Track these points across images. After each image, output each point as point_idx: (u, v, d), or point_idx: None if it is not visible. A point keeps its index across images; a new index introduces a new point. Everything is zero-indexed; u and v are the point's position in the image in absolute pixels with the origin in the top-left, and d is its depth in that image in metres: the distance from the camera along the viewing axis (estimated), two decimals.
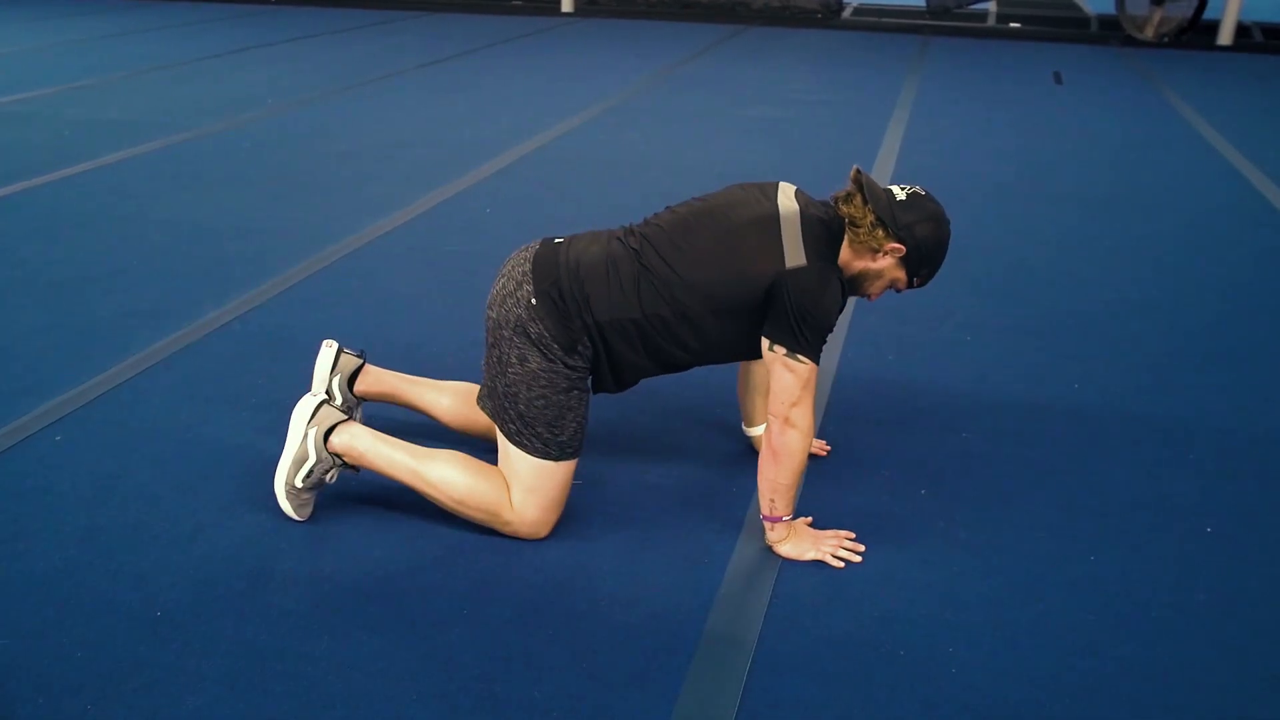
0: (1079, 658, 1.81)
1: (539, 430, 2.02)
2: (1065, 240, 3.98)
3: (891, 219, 1.98)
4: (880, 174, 4.75)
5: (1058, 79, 7.46)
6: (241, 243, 3.75)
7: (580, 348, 2.03)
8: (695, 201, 2.12)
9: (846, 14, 10.94)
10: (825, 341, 2.02)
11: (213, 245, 3.72)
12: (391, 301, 3.28)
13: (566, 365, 2.02)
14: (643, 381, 2.20)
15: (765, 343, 2.00)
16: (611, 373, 2.10)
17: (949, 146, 5.41)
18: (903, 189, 2.04)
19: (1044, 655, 1.82)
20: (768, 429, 2.03)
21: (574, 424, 2.05)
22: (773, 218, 2.01)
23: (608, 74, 7.29)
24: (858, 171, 2.02)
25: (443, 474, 2.07)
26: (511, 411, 2.03)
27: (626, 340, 2.04)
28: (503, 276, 2.09)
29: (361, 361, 2.40)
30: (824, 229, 2.02)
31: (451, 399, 2.38)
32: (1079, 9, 11.50)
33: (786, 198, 2.07)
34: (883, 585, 1.99)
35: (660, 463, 2.41)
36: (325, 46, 8.22)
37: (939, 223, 2.03)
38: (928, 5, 10.55)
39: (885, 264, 2.03)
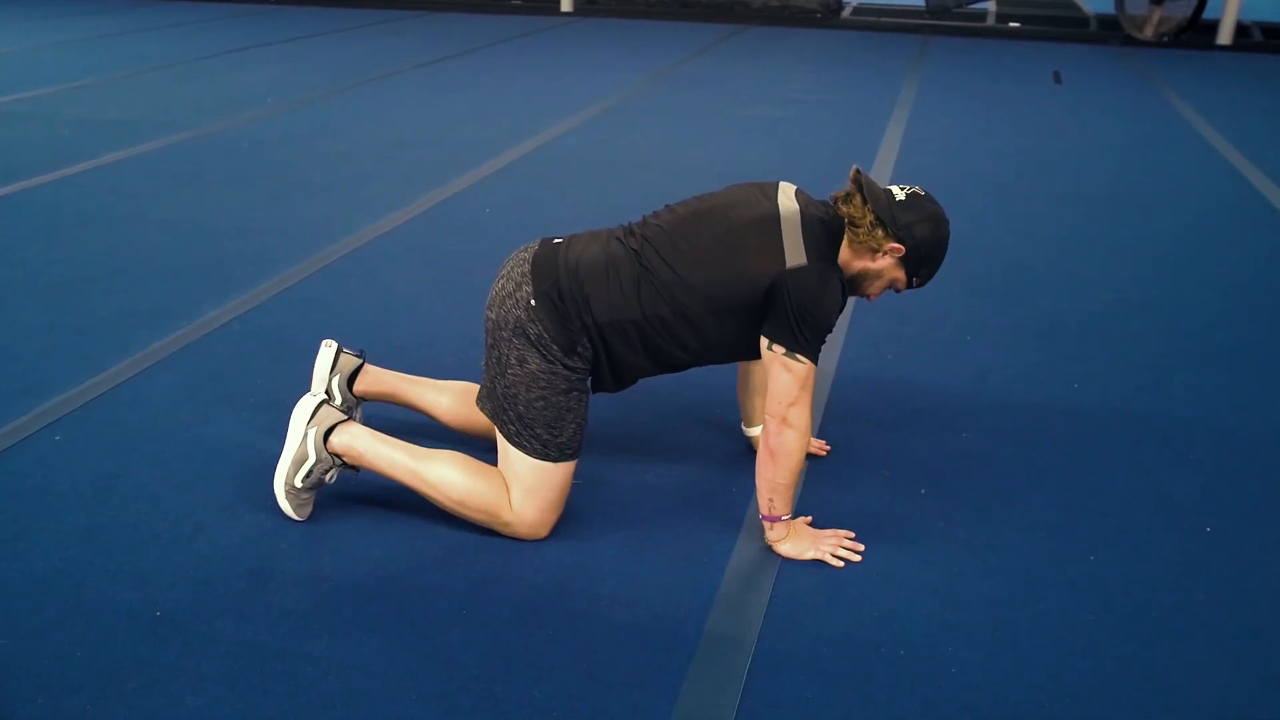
0: (1079, 658, 1.81)
1: (538, 431, 2.02)
2: (1065, 240, 3.98)
3: (891, 219, 1.98)
4: (880, 174, 4.75)
5: (1057, 79, 7.46)
6: (241, 242, 3.75)
7: (580, 349, 2.03)
8: (695, 201, 2.12)
9: (846, 14, 10.94)
10: (824, 342, 2.02)
11: (212, 245, 3.72)
12: (391, 301, 3.28)
13: (566, 366, 2.02)
14: (643, 381, 2.20)
15: (764, 342, 2.00)
16: (611, 373, 2.10)
17: (948, 146, 5.41)
18: (902, 189, 2.04)
19: (1044, 655, 1.82)
20: (765, 429, 2.03)
21: (573, 425, 2.05)
22: (773, 218, 2.01)
23: (607, 74, 7.29)
24: (857, 171, 2.02)
25: (442, 474, 2.07)
26: (511, 413, 2.03)
27: (626, 341, 2.04)
28: (502, 277, 2.08)
29: (361, 361, 2.40)
30: (824, 229, 2.02)
31: (451, 398, 2.38)
32: (1078, 8, 11.50)
33: (786, 197, 2.07)
34: (883, 585, 1.99)
35: (660, 463, 2.41)
36: (325, 46, 8.22)
37: (938, 223, 2.03)
38: (927, 5, 10.55)
39: (885, 264, 2.03)
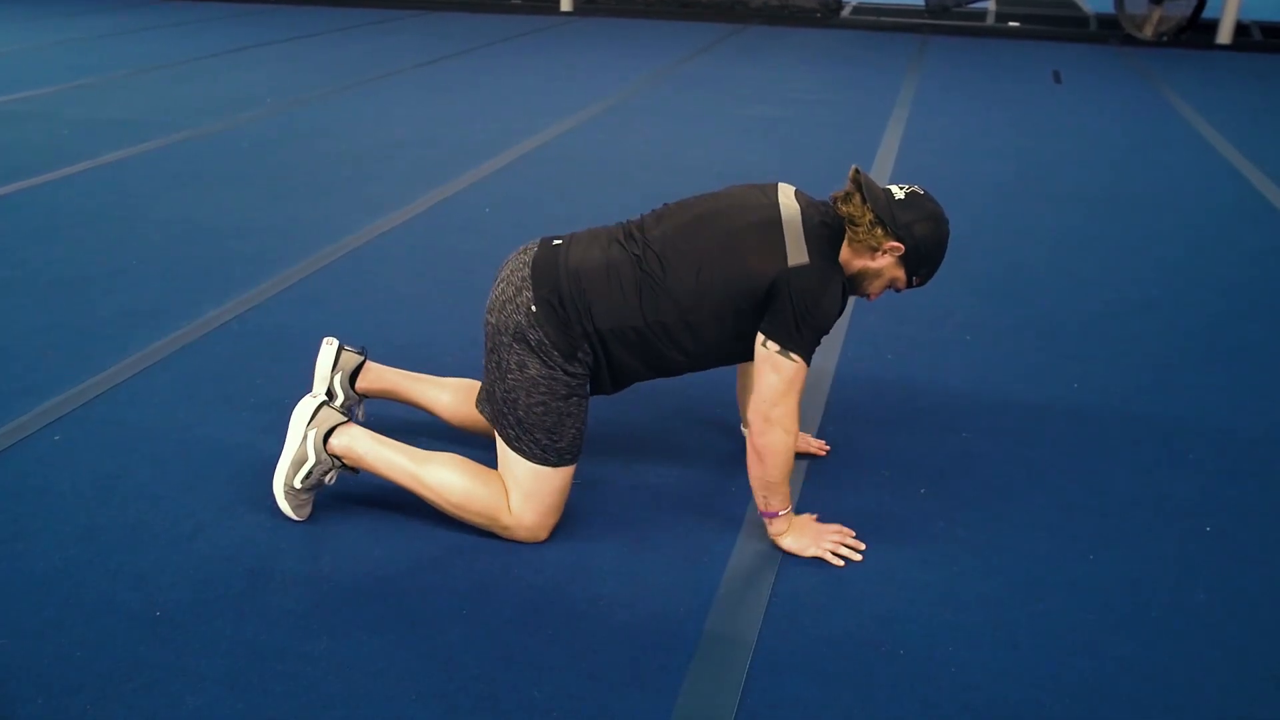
0: (1079, 658, 1.81)
1: (538, 436, 2.01)
2: (1065, 240, 3.98)
3: (890, 218, 1.98)
4: (879, 173, 4.75)
5: (1057, 78, 7.46)
6: (241, 242, 3.75)
7: (580, 354, 2.02)
8: (694, 203, 2.11)
9: (845, 13, 10.94)
10: (819, 343, 2.02)
11: (212, 245, 3.72)
12: (391, 301, 3.27)
13: (566, 372, 2.01)
14: (642, 382, 2.20)
15: (759, 338, 1.99)
16: (610, 377, 2.10)
17: (948, 146, 5.41)
18: (901, 188, 2.04)
19: (1044, 655, 1.82)
20: (750, 428, 2.03)
21: (573, 430, 2.05)
22: (774, 218, 2.01)
23: (606, 73, 7.29)
24: (856, 171, 2.02)
25: (441, 477, 2.06)
26: (510, 417, 2.03)
27: (627, 347, 2.04)
28: (501, 281, 2.08)
29: (363, 359, 2.40)
30: (825, 229, 2.02)
31: (453, 395, 2.38)
32: (1078, 8, 11.50)
33: (787, 198, 2.07)
34: (882, 585, 1.99)
35: (660, 463, 2.41)
36: (324, 45, 8.22)
37: (938, 222, 2.03)
38: (926, 4, 10.55)
39: (884, 263, 2.03)
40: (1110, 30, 9.72)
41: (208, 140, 5.17)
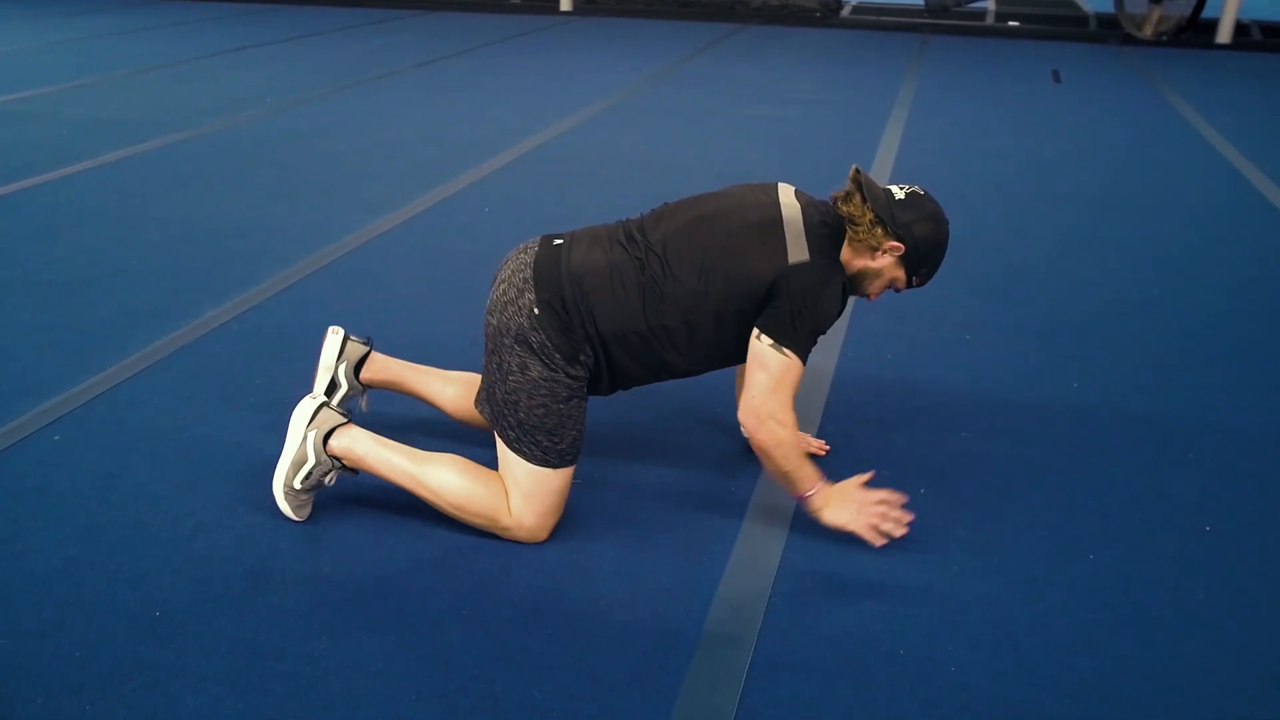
0: (1079, 658, 1.81)
1: (538, 438, 2.01)
2: (1065, 240, 3.98)
3: (890, 217, 1.98)
4: (879, 173, 4.75)
5: (1056, 78, 7.46)
6: (240, 242, 3.75)
7: (582, 357, 2.02)
8: (694, 204, 2.11)
9: (845, 13, 10.94)
10: (815, 343, 2.01)
11: (212, 244, 3.72)
12: (391, 301, 3.27)
13: (568, 375, 2.01)
14: (641, 386, 2.20)
15: (755, 332, 1.99)
16: (609, 380, 2.10)
17: (948, 146, 5.41)
18: (901, 188, 2.04)
19: (1044, 655, 1.82)
20: (744, 428, 2.02)
21: (573, 432, 2.04)
22: (774, 217, 2.01)
23: (606, 73, 7.29)
24: (857, 171, 2.03)
25: (441, 478, 2.06)
26: (511, 419, 2.02)
27: (628, 350, 2.03)
28: (502, 282, 2.07)
29: (368, 349, 2.40)
30: (825, 228, 2.03)
31: (457, 389, 2.37)
32: (1077, 7, 11.50)
33: (787, 197, 2.07)
34: (882, 584, 1.99)
35: (660, 463, 2.40)
36: (324, 45, 8.22)
37: (938, 222, 2.03)
38: (926, 4, 10.55)
39: (884, 263, 2.04)
40: (1110, 30, 9.72)
41: (208, 140, 5.17)
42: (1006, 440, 2.54)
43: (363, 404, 2.43)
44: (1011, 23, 10.36)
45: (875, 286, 2.09)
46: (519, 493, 2.04)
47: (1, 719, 1.63)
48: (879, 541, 2.02)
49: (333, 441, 2.08)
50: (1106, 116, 6.22)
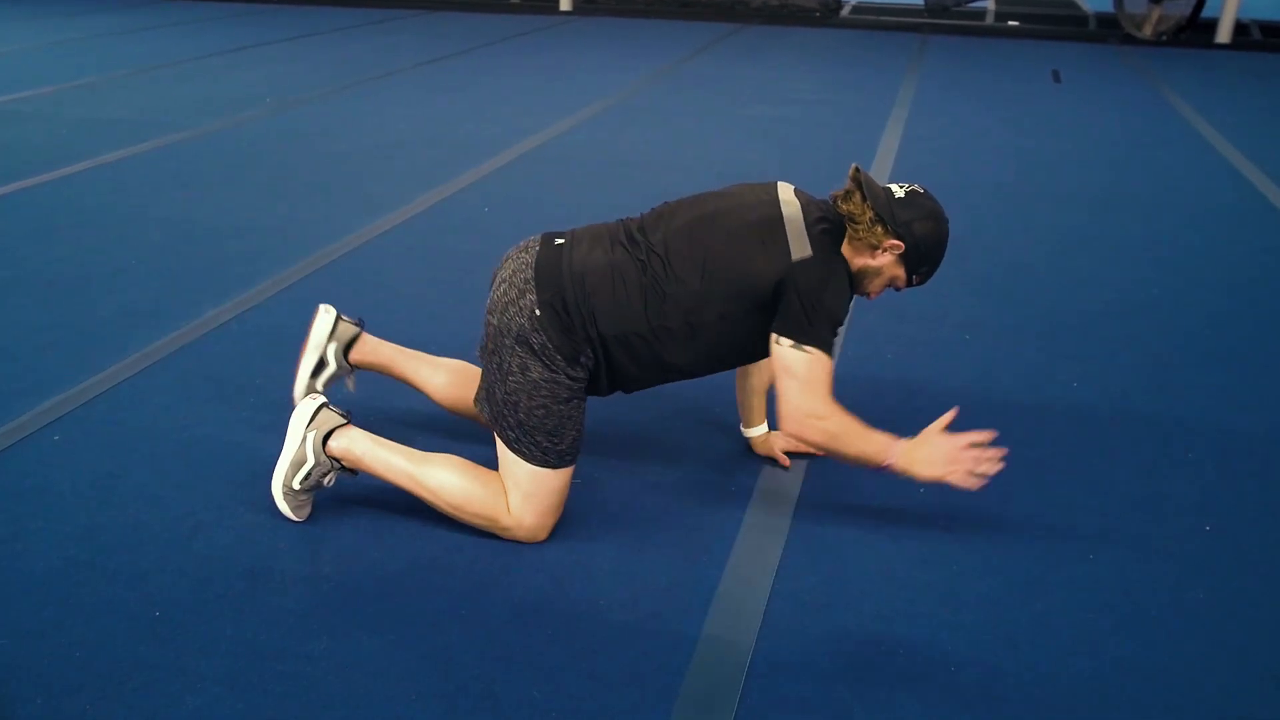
0: (1079, 657, 1.81)
1: (538, 439, 2.01)
2: (1065, 240, 3.98)
3: (890, 216, 1.98)
4: (879, 173, 4.75)
5: (1056, 78, 7.45)
6: (240, 242, 3.75)
7: (583, 358, 2.02)
8: (695, 204, 2.10)
9: (845, 13, 10.94)
10: (836, 334, 2.00)
11: (212, 244, 3.72)
12: (390, 301, 3.27)
13: (569, 376, 2.01)
14: (641, 390, 2.19)
15: (773, 338, 1.99)
16: (608, 380, 2.09)
17: (948, 145, 5.41)
18: (901, 187, 2.04)
19: (1043, 654, 1.82)
20: (793, 437, 2.01)
21: (573, 432, 2.04)
22: (775, 216, 2.01)
23: (606, 72, 7.29)
24: (856, 169, 2.03)
25: (440, 479, 2.06)
26: (511, 419, 2.02)
27: (630, 352, 2.03)
28: (503, 282, 2.06)
29: (359, 330, 2.39)
30: (825, 226, 2.02)
31: (447, 377, 2.37)
32: (1077, 7, 11.50)
33: (787, 195, 2.07)
34: (882, 584, 1.99)
35: (660, 463, 2.40)
36: (323, 45, 8.21)
37: (938, 220, 2.03)
38: (926, 4, 10.55)
39: (884, 261, 2.04)
40: (1109, 29, 9.72)
41: (208, 140, 5.17)
42: (1006, 440, 2.52)
43: (349, 384, 2.42)
44: (1011, 22, 10.36)
45: (875, 285, 2.09)
46: (519, 493, 2.04)
47: (1, 719, 1.63)
48: (976, 485, 1.98)
49: (332, 442, 2.08)
50: (1106, 116, 6.22)
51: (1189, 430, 2.59)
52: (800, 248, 1.97)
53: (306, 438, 2.08)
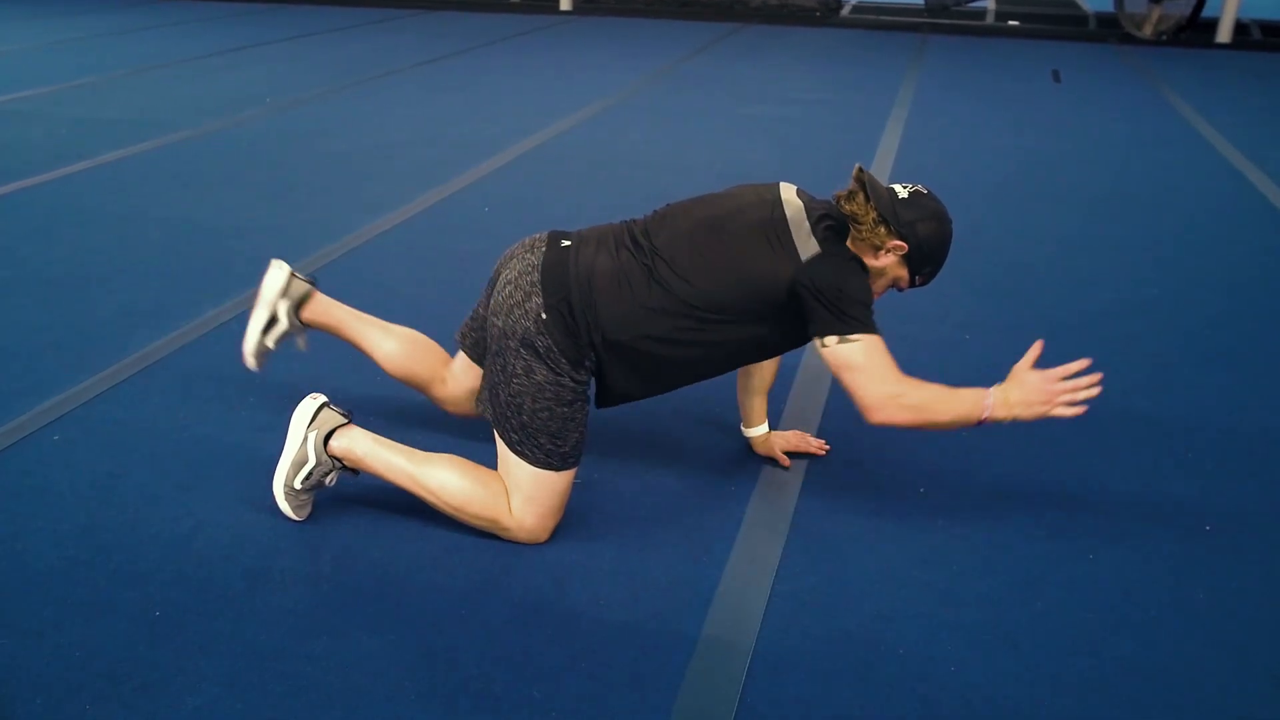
0: (1079, 657, 1.81)
1: (541, 441, 2.01)
2: (1065, 240, 3.98)
3: (894, 216, 1.98)
4: (879, 172, 4.75)
5: (1056, 77, 7.46)
6: (240, 241, 3.75)
7: (587, 363, 2.01)
8: (698, 207, 2.10)
9: (845, 12, 10.94)
10: (872, 312, 1.99)
11: (212, 244, 3.72)
12: (390, 300, 3.27)
13: (573, 379, 2.00)
14: (640, 399, 2.19)
15: (816, 342, 1.98)
16: (608, 387, 2.09)
17: (947, 145, 5.41)
18: (905, 188, 2.04)
19: (1043, 654, 1.82)
20: (884, 425, 1.98)
21: (576, 435, 2.04)
22: (780, 217, 2.01)
23: (606, 72, 7.29)
24: (860, 169, 2.03)
25: (441, 479, 2.06)
26: (514, 421, 2.02)
27: (634, 355, 2.02)
28: (509, 284, 2.05)
29: (311, 288, 2.38)
30: (829, 225, 2.02)
31: (398, 345, 2.36)
32: (1077, 7, 11.50)
33: (789, 195, 2.07)
34: (882, 584, 1.99)
35: (660, 463, 2.40)
36: (323, 45, 8.21)
37: (941, 221, 2.03)
38: (926, 3, 10.55)
39: (887, 262, 2.03)
40: (1109, 29, 9.72)
41: (207, 140, 5.17)
42: (1006, 440, 2.53)
43: (300, 343, 2.40)
44: (1011, 22, 10.36)
45: (878, 286, 2.09)
46: (520, 495, 2.04)
47: (1, 719, 1.63)
48: (1077, 412, 1.95)
49: (333, 442, 2.08)
50: (1106, 116, 6.22)
51: (1189, 430, 2.59)
52: (807, 247, 1.97)
53: (308, 437, 2.08)
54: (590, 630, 1.85)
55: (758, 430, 2.41)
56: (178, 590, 1.93)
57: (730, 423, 2.55)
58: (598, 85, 6.78)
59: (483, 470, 2.09)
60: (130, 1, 10.39)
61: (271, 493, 2.14)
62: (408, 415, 2.54)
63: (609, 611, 1.90)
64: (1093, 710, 1.70)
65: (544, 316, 1.97)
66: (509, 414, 2.02)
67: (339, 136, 5.28)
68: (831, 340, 1.95)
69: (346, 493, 2.22)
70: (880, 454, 2.45)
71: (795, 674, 1.76)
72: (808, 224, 2.00)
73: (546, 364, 1.98)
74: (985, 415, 1.97)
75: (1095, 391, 1.95)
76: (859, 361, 1.95)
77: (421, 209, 4.17)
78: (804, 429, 2.51)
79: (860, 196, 2.00)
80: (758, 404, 2.38)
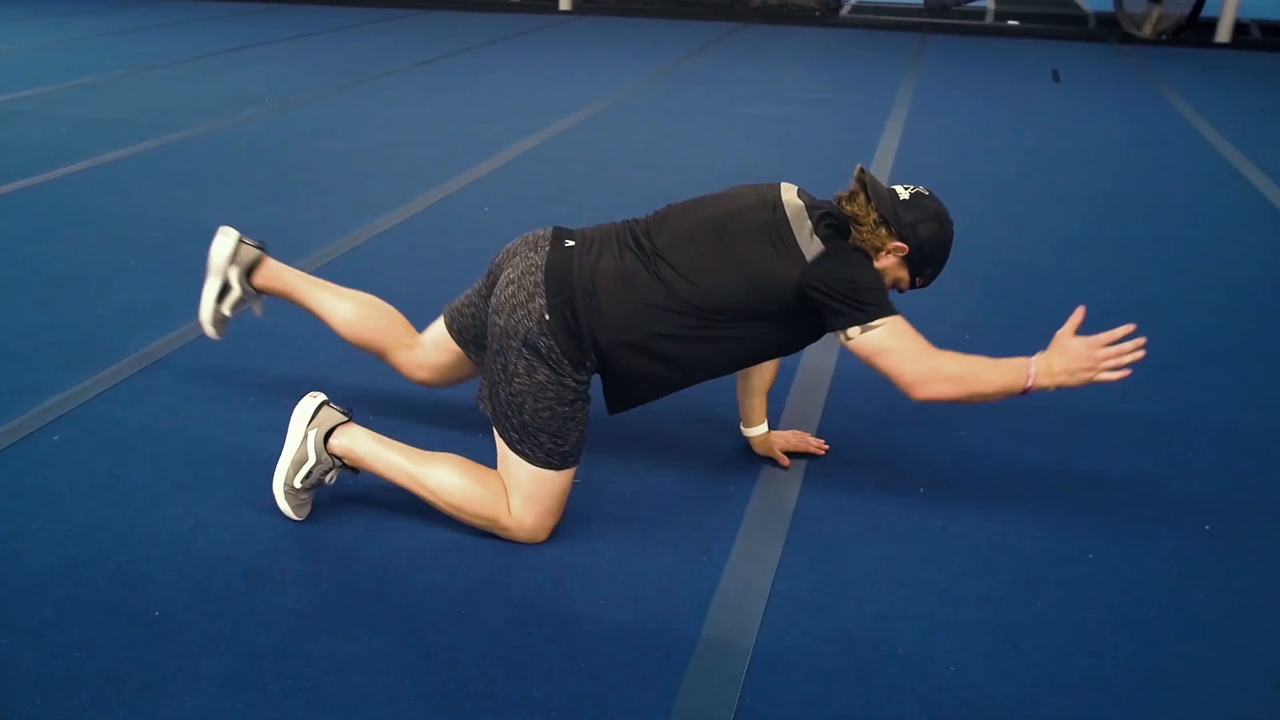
0: (1078, 657, 1.81)
1: (542, 440, 2.00)
2: (1065, 240, 3.98)
3: (894, 218, 1.98)
4: (879, 172, 4.75)
5: (1056, 77, 7.46)
6: None
7: (588, 363, 2.01)
8: (699, 208, 2.09)
9: (844, 12, 10.94)
10: (887, 294, 1.98)
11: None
12: (389, 300, 3.25)
13: (575, 380, 2.00)
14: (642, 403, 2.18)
15: (840, 336, 1.97)
16: (622, 387, 2.09)
17: (947, 145, 5.41)
18: (906, 189, 2.04)
19: (1043, 654, 1.82)
20: (930, 401, 1.97)
21: (576, 434, 2.04)
22: (782, 218, 2.01)
23: (605, 72, 7.29)
24: (861, 170, 2.03)
25: (440, 479, 2.05)
26: (515, 420, 2.01)
27: (647, 356, 2.02)
28: (511, 283, 2.04)
29: (261, 253, 2.37)
30: (830, 223, 2.02)
31: (352, 308, 2.36)
32: (1077, 6, 11.50)
33: (790, 195, 2.07)
34: (881, 583, 1.99)
35: (660, 463, 2.40)
36: (323, 44, 8.21)
37: (942, 222, 2.03)
38: (925, 3, 10.55)
39: (888, 263, 2.04)
40: (1109, 29, 9.72)
41: (207, 139, 5.17)
42: (1006, 440, 2.53)
43: (256, 310, 2.40)
44: (1011, 22, 10.36)
45: None
46: (519, 494, 2.04)
47: (1, 719, 1.63)
48: (1122, 376, 1.94)
49: (333, 440, 2.08)
50: (1106, 116, 6.22)
51: (1189, 430, 2.59)
52: (811, 247, 1.97)
53: (308, 436, 2.08)
54: (590, 630, 1.85)
55: (757, 430, 2.41)
56: (178, 590, 1.93)
57: (730, 423, 2.55)
58: (597, 85, 6.78)
59: (482, 470, 2.09)
60: (130, 1, 10.39)
61: (271, 492, 2.14)
62: (408, 414, 2.54)
63: (609, 611, 1.90)
64: (1093, 710, 1.70)
65: (547, 317, 1.97)
66: (509, 413, 2.02)
67: (339, 136, 5.28)
68: (855, 331, 1.94)
69: (346, 493, 2.22)
70: (880, 454, 2.45)
71: (795, 674, 1.76)
72: (809, 223, 1.99)
73: (549, 364, 1.98)
74: (1029, 384, 1.95)
75: (1140, 355, 1.94)
76: (888, 345, 1.94)
77: (421, 209, 4.17)
78: (804, 429, 2.51)
79: (861, 197, 2.00)
80: (757, 404, 2.38)
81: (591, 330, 1.98)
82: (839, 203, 2.04)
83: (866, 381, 2.80)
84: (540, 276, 2.01)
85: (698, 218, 2.06)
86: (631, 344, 1.99)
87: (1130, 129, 5.88)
